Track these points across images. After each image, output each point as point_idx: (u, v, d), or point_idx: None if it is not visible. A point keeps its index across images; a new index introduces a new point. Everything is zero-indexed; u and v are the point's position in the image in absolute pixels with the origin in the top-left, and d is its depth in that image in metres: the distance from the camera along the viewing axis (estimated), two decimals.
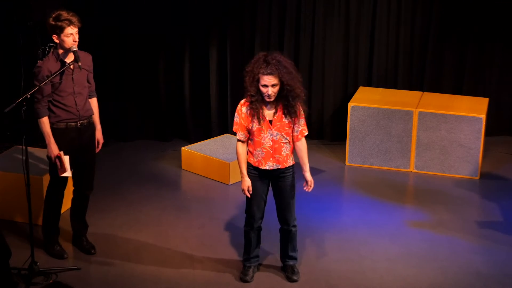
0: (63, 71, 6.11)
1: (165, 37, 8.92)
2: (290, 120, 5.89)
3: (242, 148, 5.98)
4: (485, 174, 8.24)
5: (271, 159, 5.92)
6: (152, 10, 8.80)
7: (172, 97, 9.14)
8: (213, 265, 6.44)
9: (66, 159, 6.17)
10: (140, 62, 8.98)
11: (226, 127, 9.14)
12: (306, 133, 5.98)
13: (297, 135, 5.96)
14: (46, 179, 6.55)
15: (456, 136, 8.13)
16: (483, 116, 8.06)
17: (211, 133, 9.14)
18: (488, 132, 8.84)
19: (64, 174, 6.21)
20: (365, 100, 8.44)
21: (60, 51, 6.13)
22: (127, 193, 7.80)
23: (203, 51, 8.99)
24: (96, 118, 6.48)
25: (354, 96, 8.60)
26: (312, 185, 6.03)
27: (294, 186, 6.06)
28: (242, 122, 5.91)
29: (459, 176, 8.19)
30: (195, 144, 8.58)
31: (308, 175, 6.01)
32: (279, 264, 6.37)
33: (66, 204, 6.95)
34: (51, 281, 6.14)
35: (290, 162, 5.98)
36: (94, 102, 6.46)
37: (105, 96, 8.17)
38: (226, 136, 8.77)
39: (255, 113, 5.83)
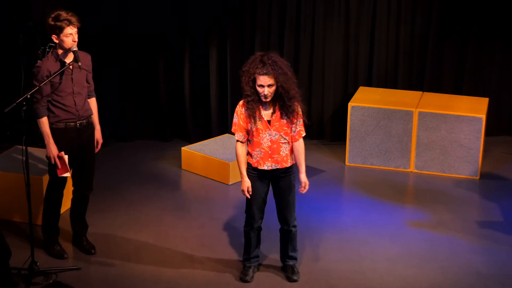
0: (63, 71, 6.11)
1: (165, 37, 8.92)
2: (288, 120, 5.89)
3: (241, 149, 5.98)
4: (485, 174, 8.24)
5: (269, 159, 5.92)
6: (152, 10, 8.80)
7: (172, 97, 9.14)
8: (213, 265, 6.44)
9: (66, 159, 6.17)
10: (140, 62, 8.98)
11: (226, 127, 9.14)
12: (303, 134, 5.98)
13: (294, 136, 5.95)
14: (46, 179, 6.55)
15: (456, 136, 8.13)
16: (483, 116, 8.06)
17: (211, 133, 9.14)
18: (488, 132, 8.84)
19: (64, 175, 6.21)
20: (365, 100, 8.44)
21: (60, 51, 6.13)
22: (127, 193, 7.80)
23: (203, 51, 8.99)
24: (95, 118, 6.48)
25: (354, 96, 8.60)
26: (307, 187, 6.02)
27: (294, 186, 6.05)
28: (241, 123, 5.91)
29: (459, 176, 8.19)
30: (195, 144, 8.58)
31: (303, 176, 6.00)
32: (279, 264, 6.37)
33: (66, 204, 6.95)
34: (51, 281, 6.14)
35: (290, 162, 5.98)
36: (93, 102, 6.46)
37: (105, 96, 8.18)
38: (226, 136, 8.77)
39: (251, 113, 5.83)
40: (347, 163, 8.53)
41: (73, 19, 6.05)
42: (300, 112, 5.92)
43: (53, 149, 6.16)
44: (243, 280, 6.20)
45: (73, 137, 6.27)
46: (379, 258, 6.56)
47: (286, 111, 5.84)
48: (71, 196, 6.62)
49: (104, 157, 8.18)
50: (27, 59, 8.29)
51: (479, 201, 7.73)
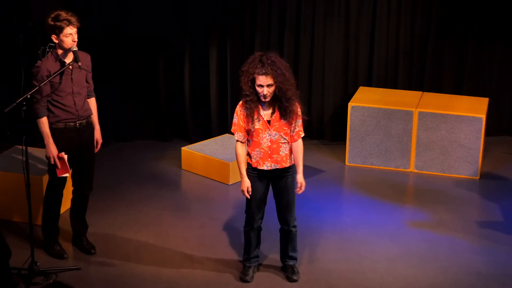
0: (63, 71, 6.11)
1: (165, 37, 8.92)
2: (288, 120, 5.88)
3: (241, 149, 5.98)
4: (485, 174, 8.24)
5: (269, 159, 5.92)
6: (152, 10, 8.80)
7: (172, 97, 9.14)
8: (213, 265, 6.44)
9: (65, 159, 6.17)
10: (140, 62, 8.98)
11: (226, 127, 9.14)
12: (302, 135, 5.97)
13: (293, 136, 5.95)
14: (46, 179, 6.55)
15: (456, 136, 8.13)
16: (483, 116, 8.06)
17: (211, 133, 9.14)
18: (488, 132, 8.84)
19: (63, 175, 6.21)
20: (365, 100, 8.43)
21: (59, 51, 6.13)
22: (127, 193, 7.80)
23: (203, 51, 8.99)
24: (94, 118, 6.48)
25: (354, 96, 8.60)
26: (303, 188, 6.00)
27: (294, 187, 6.05)
28: (241, 123, 5.91)
29: (459, 176, 8.19)
30: (195, 144, 8.58)
31: (300, 177, 5.99)
32: (279, 264, 6.37)
33: (66, 204, 6.95)
34: (51, 281, 6.14)
35: (289, 162, 5.98)
36: (92, 102, 6.46)
37: (105, 96, 8.18)
38: (226, 136, 8.77)
39: (250, 112, 5.83)
40: (347, 163, 8.53)
41: (73, 19, 6.05)
42: (300, 113, 5.92)
43: (52, 149, 6.16)
44: (243, 280, 6.20)
45: (72, 137, 6.27)
46: (379, 258, 6.56)
47: (284, 112, 5.84)
48: (71, 196, 6.62)
49: (104, 157, 8.18)
50: (27, 59, 8.29)
51: (479, 201, 7.73)
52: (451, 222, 7.20)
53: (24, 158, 5.92)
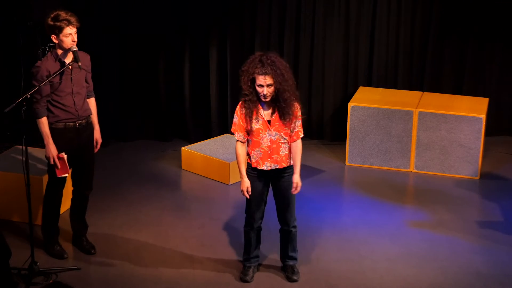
0: (63, 71, 6.11)
1: (165, 37, 8.92)
2: (286, 121, 5.88)
3: (241, 149, 5.98)
4: (485, 174, 8.24)
5: (268, 159, 5.92)
6: (152, 10, 8.80)
7: (172, 97, 9.14)
8: (213, 265, 6.44)
9: (65, 159, 6.17)
10: (140, 62, 8.97)
11: (226, 127, 9.14)
12: (301, 135, 5.97)
13: (292, 136, 5.95)
14: (46, 179, 6.55)
15: (456, 136, 8.13)
16: (483, 116, 8.06)
17: (211, 133, 9.14)
18: (488, 132, 8.84)
19: (63, 175, 6.21)
20: (365, 100, 8.43)
21: (59, 51, 6.13)
22: (127, 193, 7.80)
23: (203, 51, 8.99)
24: (94, 118, 6.48)
25: (354, 96, 8.60)
26: (299, 189, 5.98)
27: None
28: (241, 123, 5.91)
29: (459, 176, 8.19)
30: (195, 144, 8.58)
31: (296, 177, 5.97)
32: (279, 264, 6.36)
33: (66, 204, 6.95)
34: (51, 281, 6.14)
35: (289, 162, 5.98)
36: (92, 102, 6.46)
37: (105, 96, 8.18)
38: (226, 136, 8.77)
39: (249, 112, 5.84)
40: (347, 163, 8.52)
41: (73, 19, 6.05)
42: (299, 113, 5.92)
43: (52, 149, 6.16)
44: (243, 280, 6.20)
45: (72, 137, 6.27)
46: (379, 258, 6.56)
47: (283, 112, 5.84)
48: (71, 196, 6.62)
49: (104, 157, 8.19)
50: (27, 59, 8.28)
51: (479, 201, 7.73)
52: (451, 222, 7.20)
53: (24, 158, 5.92)
